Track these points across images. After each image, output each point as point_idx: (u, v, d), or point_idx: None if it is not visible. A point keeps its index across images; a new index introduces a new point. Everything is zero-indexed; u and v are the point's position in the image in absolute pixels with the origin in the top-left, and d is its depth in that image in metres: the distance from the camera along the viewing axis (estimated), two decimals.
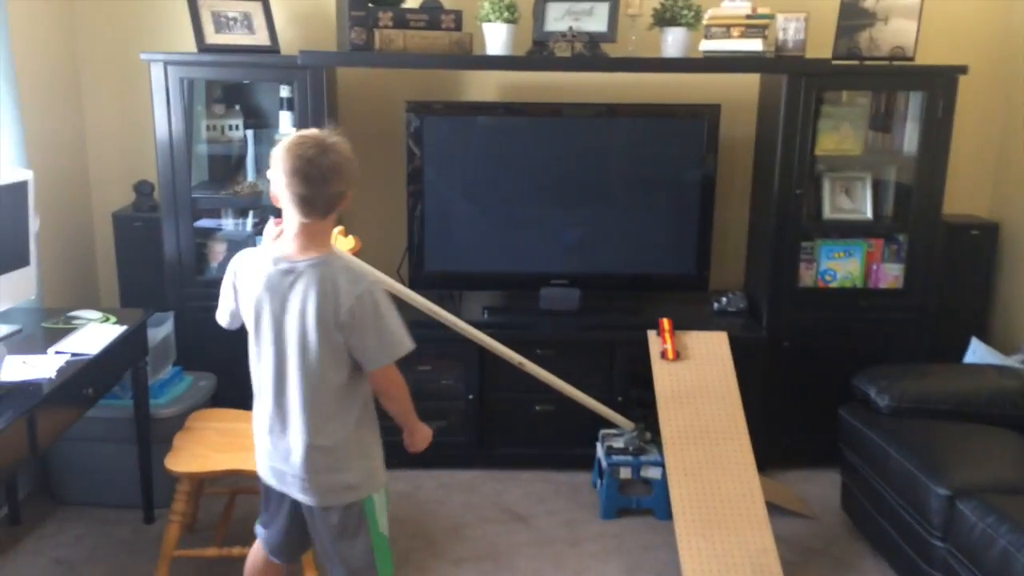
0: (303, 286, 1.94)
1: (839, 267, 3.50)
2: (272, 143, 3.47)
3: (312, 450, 2.01)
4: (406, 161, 3.53)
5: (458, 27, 3.31)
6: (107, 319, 2.85)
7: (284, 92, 3.45)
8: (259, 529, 2.27)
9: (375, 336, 1.97)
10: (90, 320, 2.81)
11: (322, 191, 1.89)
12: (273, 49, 3.38)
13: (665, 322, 3.39)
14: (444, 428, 3.56)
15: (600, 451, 3.34)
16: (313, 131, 1.97)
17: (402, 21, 3.25)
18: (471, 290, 3.75)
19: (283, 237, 2.02)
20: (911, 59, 3.33)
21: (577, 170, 3.58)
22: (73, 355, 2.49)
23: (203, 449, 2.65)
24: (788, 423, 3.54)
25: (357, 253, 2.62)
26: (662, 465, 3.20)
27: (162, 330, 3.25)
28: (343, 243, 2.65)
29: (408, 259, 3.65)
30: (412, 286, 3.59)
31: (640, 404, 3.49)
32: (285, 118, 3.48)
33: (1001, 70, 3.71)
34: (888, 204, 3.56)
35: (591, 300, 3.63)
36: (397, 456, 3.65)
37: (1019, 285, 3.73)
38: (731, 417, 3.14)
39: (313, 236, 1.97)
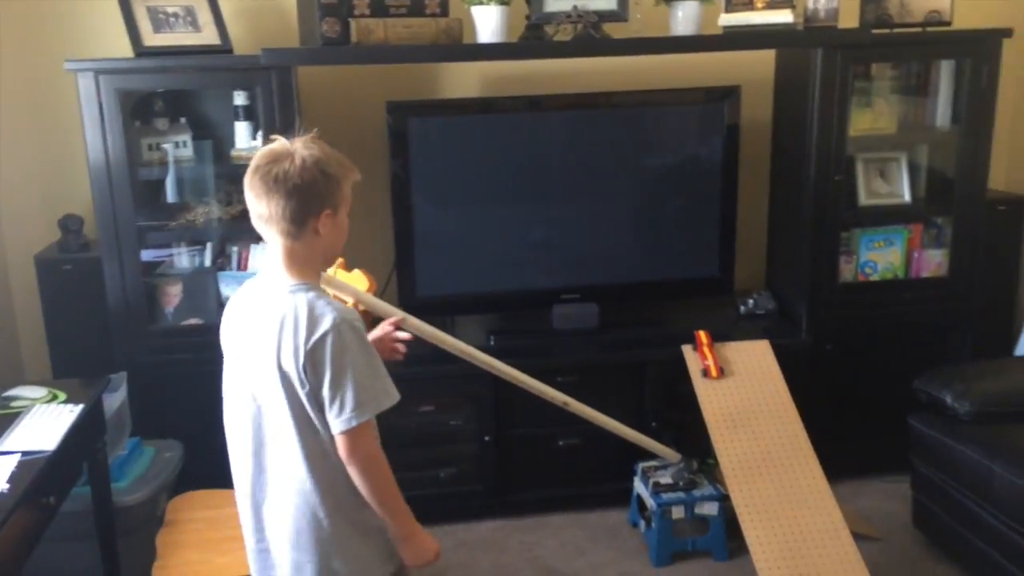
0: (271, 319, 1.59)
1: (879, 258, 3.18)
2: (228, 161, 2.97)
3: (295, 529, 1.64)
4: (389, 171, 3.04)
5: (444, 12, 2.83)
6: (54, 396, 2.28)
7: (239, 99, 2.90)
8: None
9: (334, 390, 1.56)
10: (34, 400, 2.24)
11: (271, 206, 1.57)
12: (225, 49, 2.83)
13: (702, 335, 3.01)
14: (456, 476, 3.10)
15: (643, 488, 2.93)
16: (281, 141, 1.62)
17: (381, 8, 2.75)
18: (472, 314, 3.29)
19: (269, 263, 1.68)
20: (948, 24, 3.02)
21: (583, 168, 3.16)
22: (24, 454, 1.93)
23: (196, 553, 2.13)
24: (834, 432, 3.19)
25: (374, 293, 2.15)
26: (718, 500, 2.82)
27: (116, 397, 2.67)
28: (353, 280, 2.17)
29: (397, 282, 3.17)
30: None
31: (673, 427, 3.10)
32: (242, 129, 2.94)
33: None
34: (923, 185, 3.26)
35: (609, 314, 3.22)
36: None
37: None
38: (793, 438, 2.79)
39: (292, 260, 1.63)
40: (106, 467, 2.46)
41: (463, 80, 3.28)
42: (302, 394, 1.57)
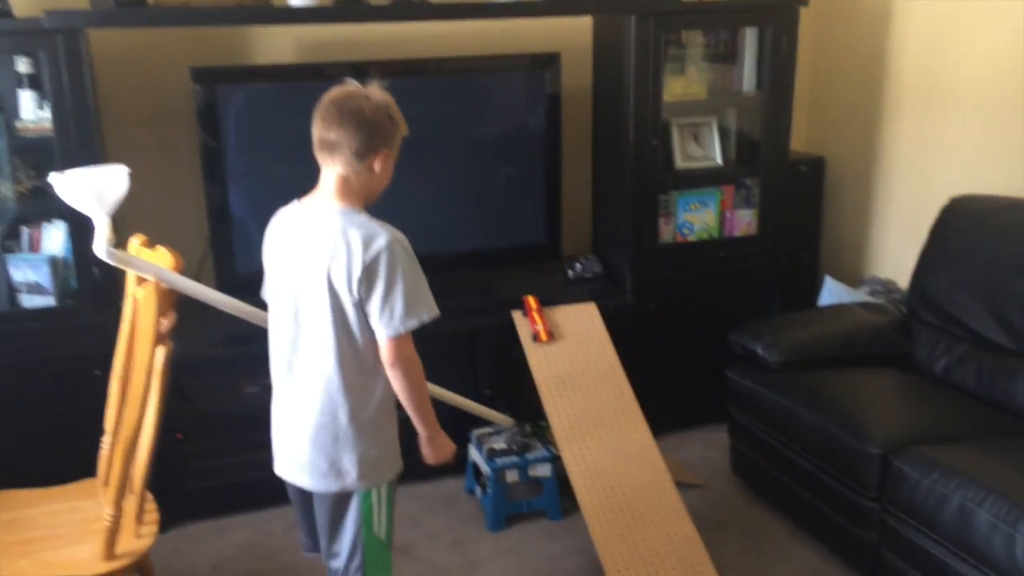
0: (322, 236, 1.78)
1: (696, 219, 3.31)
2: (13, 133, 2.71)
3: (316, 424, 1.84)
4: (197, 141, 2.87)
5: None
6: None
7: (22, 66, 2.65)
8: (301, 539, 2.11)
9: (384, 300, 1.76)
10: None
11: (340, 135, 1.76)
12: (2, 11, 2.56)
13: (531, 300, 3.03)
14: None
15: (477, 455, 2.95)
16: (355, 82, 1.83)
17: None
18: None
19: (315, 189, 1.87)
20: None
21: (406, 138, 3.08)
22: None
23: None
24: (659, 388, 3.32)
25: (180, 271, 2.03)
26: (551, 461, 2.87)
27: None
28: (157, 258, 2.03)
29: (213, 260, 3.01)
30: (223, 290, 2.98)
31: (507, 393, 3.13)
32: (27, 99, 2.68)
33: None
34: (732, 148, 3.41)
35: (439, 284, 3.17)
36: (229, 498, 3.14)
37: (844, 218, 3.76)
38: (620, 397, 2.87)
39: (344, 189, 1.81)
40: None
41: (276, 45, 3.13)
42: (349, 304, 1.76)
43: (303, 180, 2.99)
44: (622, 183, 3.19)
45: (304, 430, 1.86)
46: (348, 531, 1.92)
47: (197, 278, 3.04)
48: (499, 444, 2.91)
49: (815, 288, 3.79)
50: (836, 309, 3.15)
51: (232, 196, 2.94)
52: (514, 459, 2.86)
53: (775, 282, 3.42)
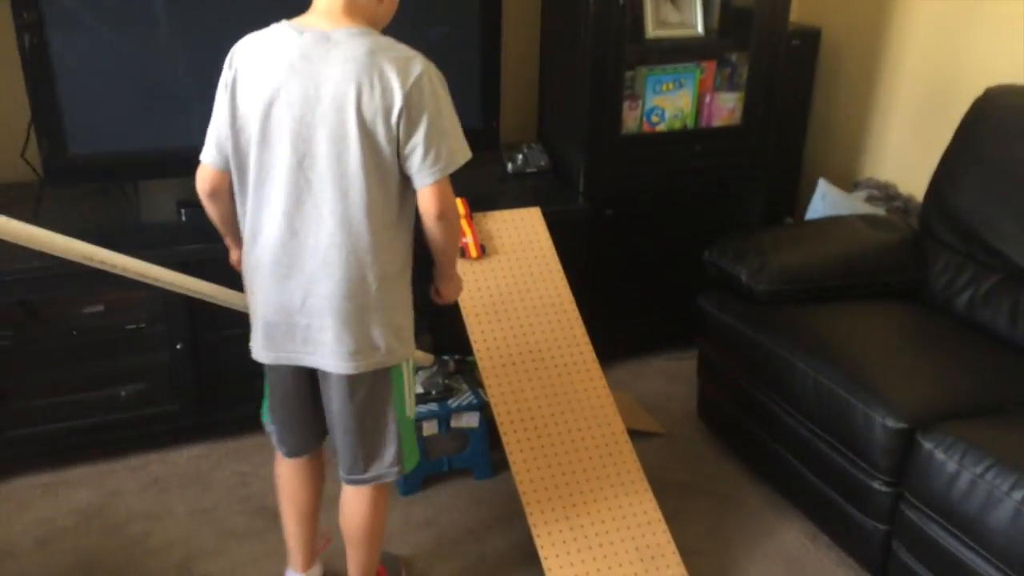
0: (340, 62, 1.45)
1: (668, 103, 2.65)
2: None
3: (339, 292, 1.53)
4: None
5: None
6: None
7: None
8: (270, 426, 1.81)
9: (427, 138, 1.48)
10: None
11: None
12: None
13: (459, 204, 2.37)
14: (142, 394, 2.37)
15: None
16: None
17: None
18: (152, 178, 2.46)
19: (310, 11, 1.53)
20: None
21: None
22: None
23: None
24: (614, 308, 2.76)
25: None
26: (479, 408, 2.29)
27: None
28: None
29: (37, 138, 2.26)
30: (51, 179, 2.26)
31: (428, 319, 2.51)
32: None
33: None
34: (716, 14, 2.72)
35: None
36: (66, 447, 2.46)
37: (839, 106, 3.15)
38: (567, 327, 2.27)
39: (351, 9, 1.49)
40: None
41: None
42: (384, 141, 1.47)
43: (163, 31, 2.26)
44: (578, 55, 2.50)
45: (324, 301, 1.55)
46: (384, 412, 1.65)
47: (24, 159, 2.34)
48: (415, 388, 2.30)
49: (796, 192, 3.22)
50: (834, 224, 2.55)
51: (57, 52, 2.17)
52: (432, 408, 2.27)
53: (760, 185, 2.81)
